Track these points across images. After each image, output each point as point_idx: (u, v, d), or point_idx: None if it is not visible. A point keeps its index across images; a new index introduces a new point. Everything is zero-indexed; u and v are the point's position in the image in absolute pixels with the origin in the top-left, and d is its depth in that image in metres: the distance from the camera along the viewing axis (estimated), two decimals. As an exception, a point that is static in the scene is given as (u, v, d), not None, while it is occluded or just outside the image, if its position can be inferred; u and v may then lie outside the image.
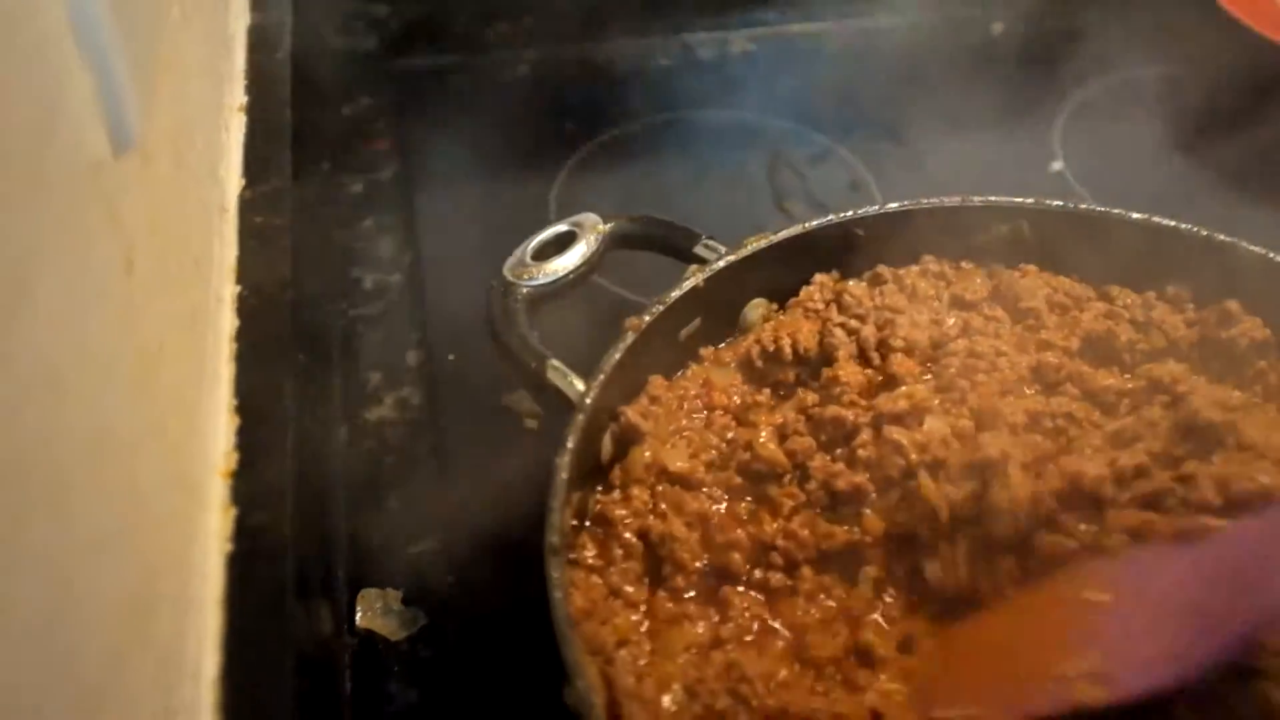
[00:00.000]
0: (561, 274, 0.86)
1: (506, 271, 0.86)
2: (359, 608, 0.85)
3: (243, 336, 0.74)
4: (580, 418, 0.74)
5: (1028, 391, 0.79)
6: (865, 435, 0.74)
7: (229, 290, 0.76)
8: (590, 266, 0.87)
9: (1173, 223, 0.85)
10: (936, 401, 0.76)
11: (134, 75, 0.58)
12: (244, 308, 0.76)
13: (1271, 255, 0.83)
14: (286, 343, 0.75)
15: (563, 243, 0.87)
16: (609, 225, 0.88)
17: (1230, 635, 0.62)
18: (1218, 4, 1.25)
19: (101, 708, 0.45)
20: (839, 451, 0.75)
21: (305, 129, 0.99)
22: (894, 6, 1.44)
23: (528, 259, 0.86)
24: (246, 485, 0.66)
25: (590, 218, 0.88)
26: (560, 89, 1.34)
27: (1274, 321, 0.82)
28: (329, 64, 1.34)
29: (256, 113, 0.91)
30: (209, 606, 0.60)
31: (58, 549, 0.43)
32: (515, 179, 1.22)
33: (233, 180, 0.85)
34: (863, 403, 0.77)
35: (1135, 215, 0.86)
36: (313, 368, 0.84)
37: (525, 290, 0.84)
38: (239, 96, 0.93)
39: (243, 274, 0.78)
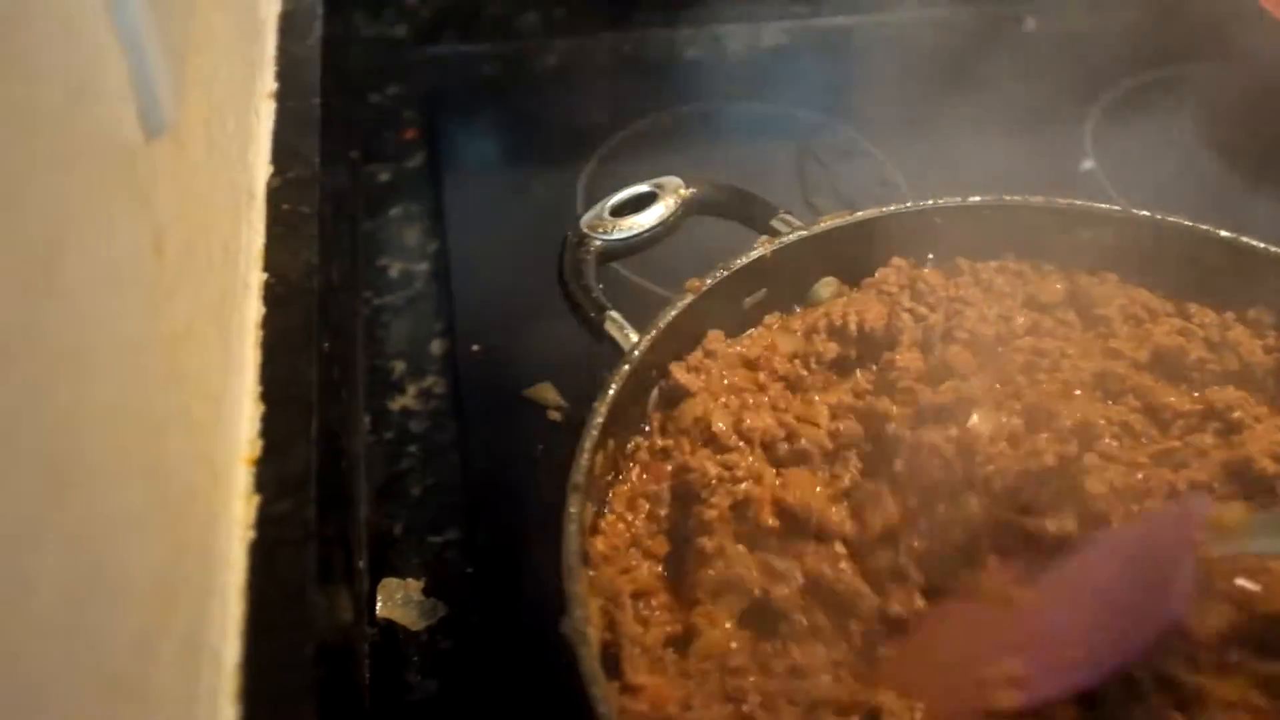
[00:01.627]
0: (637, 231, 0.87)
1: (583, 224, 0.86)
2: (380, 597, 0.85)
3: (268, 323, 0.74)
4: (626, 367, 0.75)
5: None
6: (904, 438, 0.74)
7: (256, 277, 0.76)
8: (667, 228, 0.88)
9: (1261, 244, 0.83)
10: (987, 398, 0.75)
11: (167, 58, 0.57)
12: (270, 295, 0.75)
13: None
14: (312, 330, 0.75)
15: (642, 203, 0.88)
16: (690, 189, 0.89)
17: (1140, 636, 0.63)
18: (1260, 4, 1.24)
19: (126, 692, 0.45)
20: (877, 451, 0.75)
21: (334, 116, 0.99)
22: (926, 1, 1.43)
23: (605, 214, 0.87)
24: (270, 472, 0.65)
25: (673, 180, 0.89)
26: (589, 79, 1.34)
27: None
28: (359, 52, 1.34)
29: (286, 99, 0.91)
30: (231, 593, 0.60)
31: (86, 529, 0.43)
32: (543, 169, 1.22)
33: (261, 166, 0.84)
34: (919, 388, 0.77)
35: (1223, 233, 0.84)
36: (337, 356, 0.84)
37: (598, 243, 0.85)
38: (269, 83, 0.92)
39: (270, 261, 0.77)
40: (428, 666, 0.82)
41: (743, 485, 0.72)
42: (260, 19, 0.97)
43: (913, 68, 1.29)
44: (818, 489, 0.73)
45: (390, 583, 0.86)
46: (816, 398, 0.79)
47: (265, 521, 0.63)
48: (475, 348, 1.01)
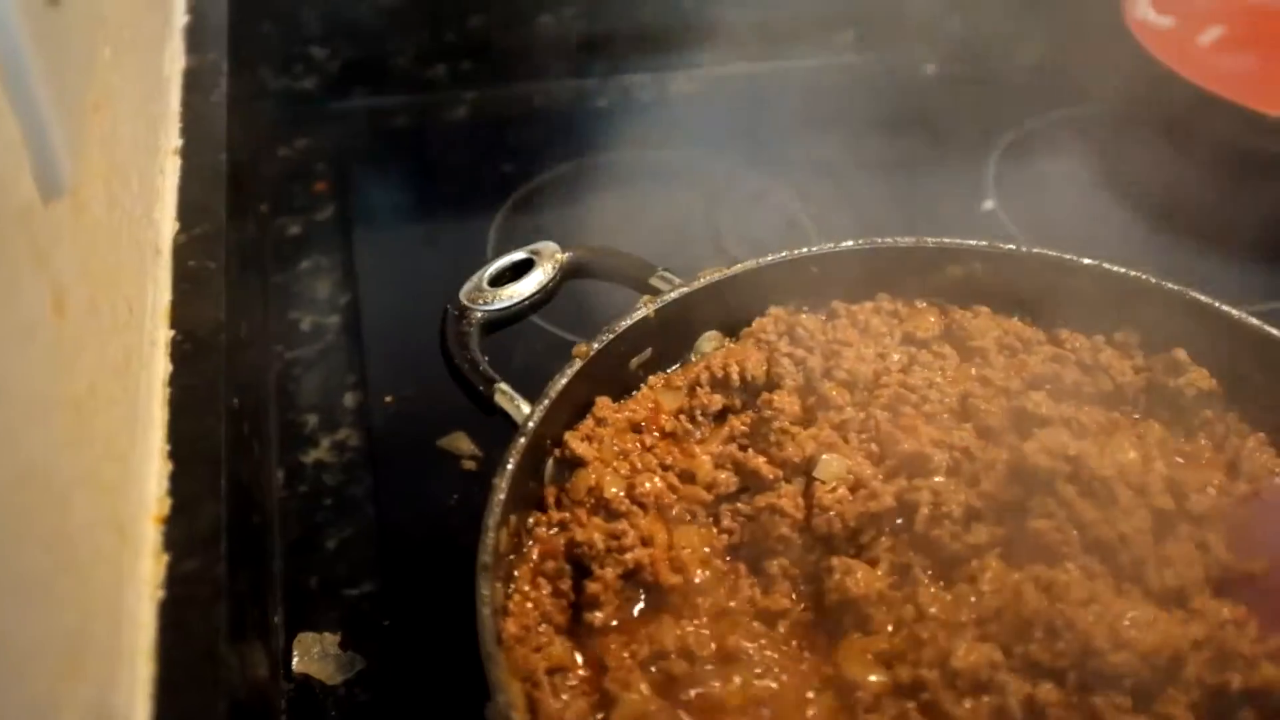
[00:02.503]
0: (517, 300, 0.87)
1: (462, 296, 0.86)
2: (296, 652, 0.84)
3: (176, 381, 0.73)
4: (522, 440, 0.75)
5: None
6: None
7: (163, 334, 0.76)
8: (546, 294, 0.88)
9: (1121, 269, 0.86)
10: (844, 438, 0.78)
11: (63, 118, 0.57)
12: (178, 352, 0.75)
13: (1220, 305, 0.83)
14: (219, 387, 0.74)
15: (520, 270, 0.88)
16: (566, 254, 0.89)
17: None
18: (1141, 47, 1.27)
19: (26, 761, 0.44)
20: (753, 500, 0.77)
21: (242, 171, 0.99)
22: (830, 48, 1.46)
23: (484, 284, 0.87)
24: (179, 531, 0.65)
25: (549, 246, 0.89)
26: (499, 130, 1.35)
27: (1220, 372, 0.83)
28: (267, 106, 1.34)
29: (192, 155, 0.91)
30: (140, 654, 0.59)
31: (-17, 598, 0.42)
32: (454, 219, 1.23)
33: (167, 223, 0.84)
34: (793, 430, 0.79)
35: (1086, 260, 0.87)
36: (248, 411, 0.84)
37: (480, 315, 0.85)
38: (174, 139, 0.92)
39: (177, 318, 0.77)
40: (346, 720, 0.81)
41: (630, 554, 0.72)
42: (164, 76, 0.97)
43: (819, 113, 1.32)
44: (704, 548, 0.75)
45: (306, 637, 0.85)
46: (698, 450, 0.80)
47: (175, 580, 0.63)
48: (388, 399, 1.01)
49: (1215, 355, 0.83)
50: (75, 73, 0.64)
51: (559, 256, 0.89)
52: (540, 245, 0.89)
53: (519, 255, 0.89)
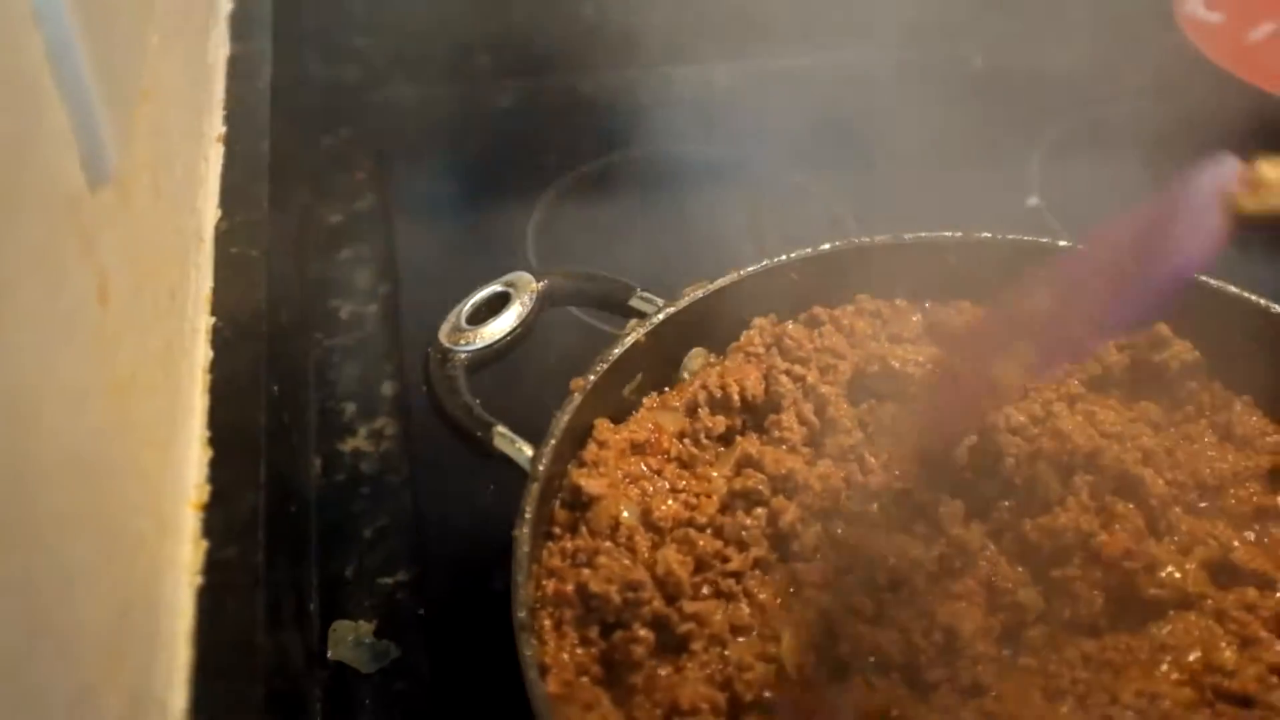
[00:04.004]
0: (499, 337, 0.84)
1: (442, 338, 0.84)
2: (331, 640, 0.84)
3: (217, 368, 0.74)
4: (535, 486, 0.73)
5: None
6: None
7: (204, 321, 0.76)
8: (527, 327, 0.85)
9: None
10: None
11: (111, 106, 0.58)
12: (218, 339, 0.75)
13: (1198, 276, 0.84)
14: (260, 374, 0.75)
15: (497, 304, 0.86)
16: (542, 283, 0.87)
17: (1155, 287, 0.67)
18: (1190, 43, 1.26)
19: (66, 747, 0.45)
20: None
21: (284, 159, 0.99)
22: (875, 42, 1.44)
23: (463, 324, 0.85)
24: (218, 518, 0.65)
25: (523, 276, 0.87)
26: (540, 122, 1.34)
27: (1202, 343, 0.84)
28: (310, 94, 1.34)
29: (235, 143, 0.91)
30: (179, 640, 0.60)
31: (28, 585, 0.42)
32: (494, 210, 1.23)
33: (210, 211, 0.84)
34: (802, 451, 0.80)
35: (1062, 242, 0.87)
36: (287, 399, 0.84)
37: (463, 356, 0.83)
38: (218, 126, 0.93)
39: (218, 305, 0.78)
40: (380, 709, 0.81)
41: (647, 608, 0.70)
42: (209, 63, 0.97)
43: (862, 108, 1.31)
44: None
45: (341, 625, 0.86)
46: (714, 473, 0.79)
47: (213, 567, 0.63)
48: (426, 388, 1.01)
49: (1197, 326, 0.84)
50: (124, 61, 0.64)
51: (534, 286, 0.86)
52: (513, 276, 0.87)
53: (494, 288, 0.87)
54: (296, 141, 1.20)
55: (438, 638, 0.85)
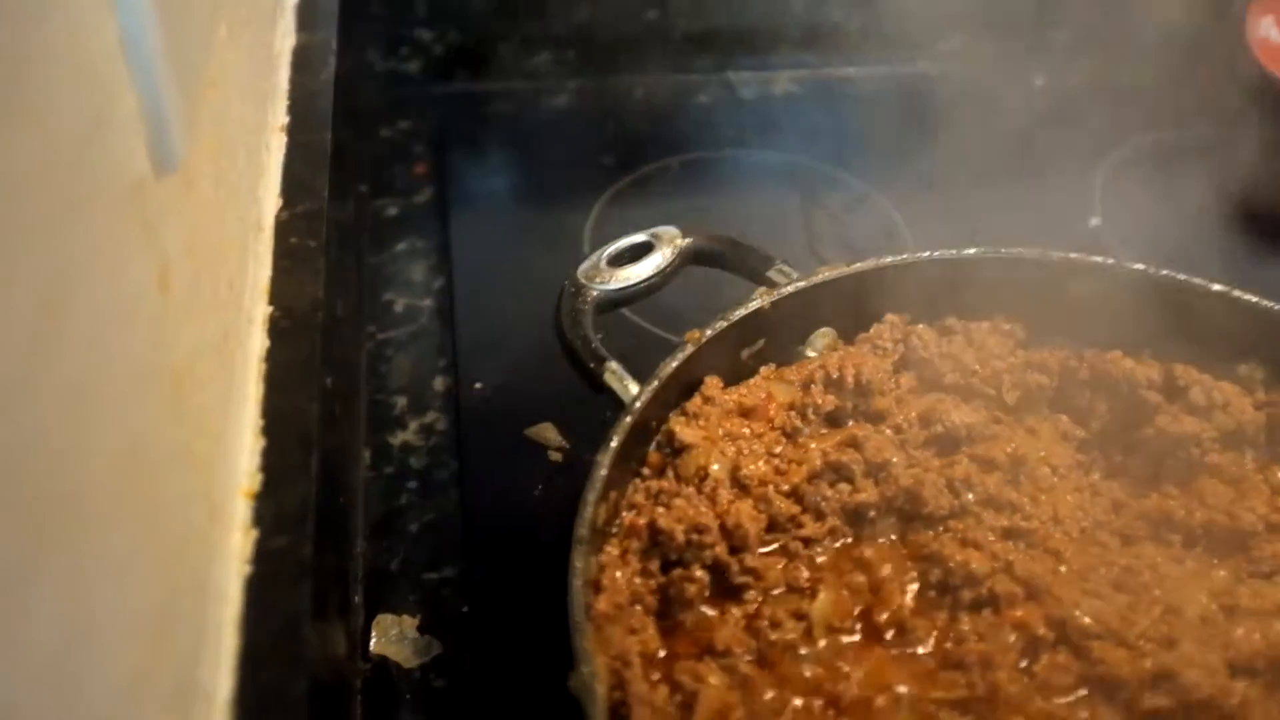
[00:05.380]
0: (633, 282, 0.87)
1: (579, 274, 0.87)
2: (374, 633, 0.85)
3: (272, 357, 0.74)
4: (628, 419, 0.76)
5: None
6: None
7: (261, 310, 0.76)
8: (663, 278, 0.88)
9: (1254, 298, 0.84)
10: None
11: (180, 95, 0.58)
12: (275, 329, 0.76)
13: None
14: (315, 365, 0.75)
15: (639, 252, 0.89)
16: (687, 240, 0.89)
17: None
18: (1262, 67, 1.24)
19: (112, 732, 0.45)
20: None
21: (344, 151, 1.00)
22: (938, 55, 1.43)
23: (603, 264, 0.88)
24: (269, 507, 0.65)
25: (669, 230, 0.90)
26: (600, 121, 1.34)
27: None
28: (372, 87, 1.35)
29: (297, 133, 0.92)
30: (225, 628, 0.60)
31: (81, 571, 0.43)
32: (551, 209, 1.23)
33: (270, 200, 0.85)
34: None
35: (1215, 286, 0.84)
36: (339, 390, 0.84)
37: (595, 293, 0.86)
38: (281, 116, 0.93)
39: (275, 295, 0.78)
40: (421, 704, 0.81)
41: (709, 552, 0.72)
42: (275, 53, 0.98)
43: (923, 120, 1.30)
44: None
45: (385, 619, 0.86)
46: (813, 444, 0.80)
47: (262, 556, 0.63)
48: (478, 385, 1.01)
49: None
50: (194, 49, 0.65)
51: (679, 241, 0.89)
52: (661, 229, 0.90)
53: (639, 238, 0.90)
54: (357, 133, 1.20)
55: (481, 635, 0.85)
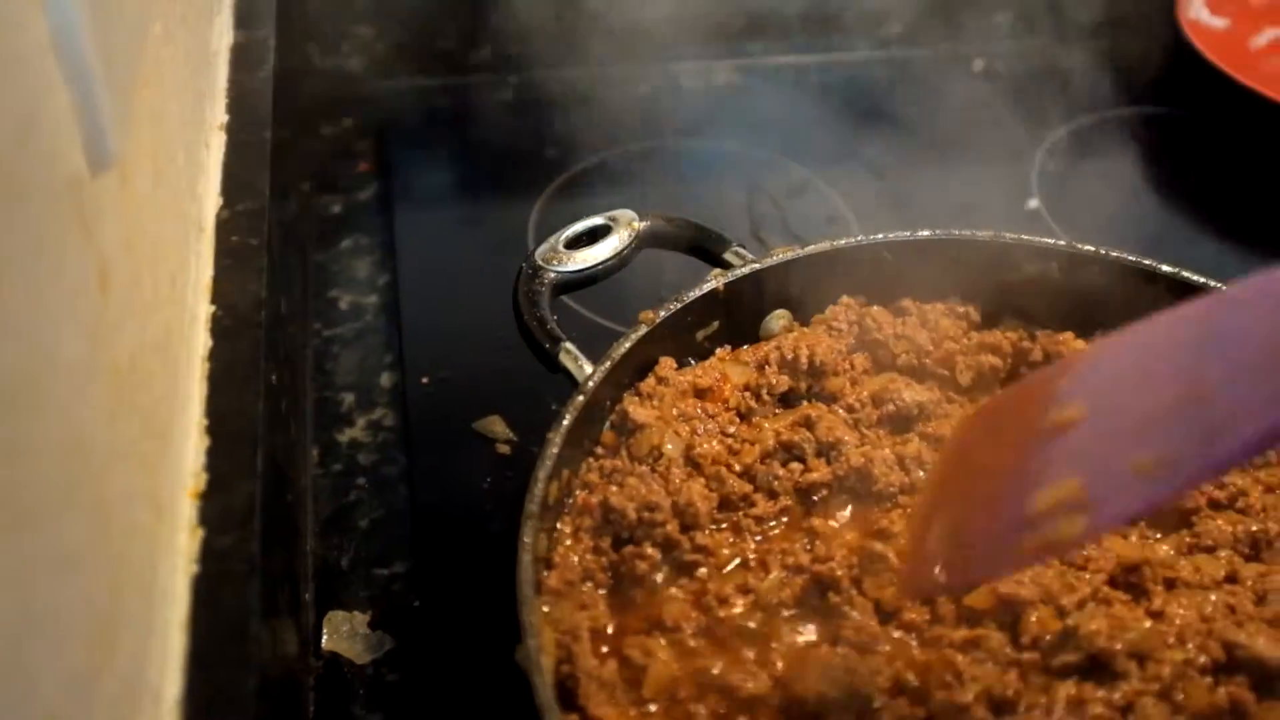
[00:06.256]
0: (590, 264, 0.88)
1: (538, 256, 0.87)
2: (325, 630, 0.84)
3: (215, 356, 0.74)
4: (580, 398, 0.77)
5: None
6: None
7: (204, 309, 0.76)
8: (620, 261, 0.89)
9: (1200, 278, 0.84)
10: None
11: (114, 92, 0.57)
12: (218, 327, 0.75)
13: None
14: (259, 363, 0.74)
15: (596, 235, 0.89)
16: (644, 222, 0.90)
17: (1241, 434, 0.49)
18: (1193, 48, 1.26)
19: (61, 731, 0.45)
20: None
21: (286, 148, 0.99)
22: (876, 42, 1.45)
23: (560, 246, 0.88)
24: (214, 506, 0.65)
25: (627, 214, 0.90)
26: (542, 115, 1.34)
27: None
28: (312, 84, 1.34)
29: (237, 131, 0.91)
30: (173, 628, 0.59)
31: (25, 569, 0.42)
32: (495, 204, 1.23)
33: (211, 198, 0.84)
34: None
35: (1165, 267, 0.85)
36: (285, 388, 0.84)
37: (552, 275, 0.86)
38: (220, 115, 0.92)
39: (217, 293, 0.77)
40: (373, 700, 0.81)
41: (659, 530, 0.73)
42: (212, 51, 0.97)
43: (863, 107, 1.31)
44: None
45: (336, 615, 0.86)
46: (766, 424, 0.81)
47: (209, 555, 0.63)
48: (424, 380, 1.01)
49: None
50: (127, 46, 0.64)
51: (635, 224, 0.89)
52: (618, 213, 0.90)
53: (596, 220, 0.90)
54: (298, 131, 1.20)
55: (433, 629, 0.85)
